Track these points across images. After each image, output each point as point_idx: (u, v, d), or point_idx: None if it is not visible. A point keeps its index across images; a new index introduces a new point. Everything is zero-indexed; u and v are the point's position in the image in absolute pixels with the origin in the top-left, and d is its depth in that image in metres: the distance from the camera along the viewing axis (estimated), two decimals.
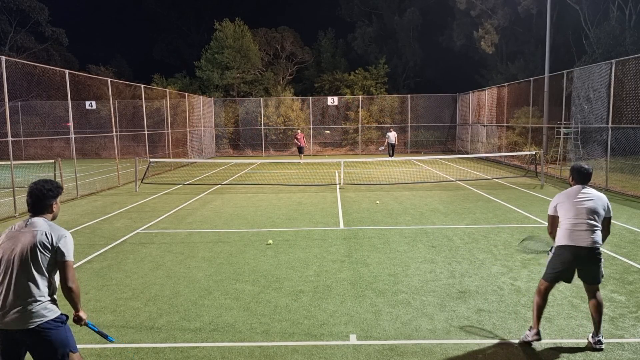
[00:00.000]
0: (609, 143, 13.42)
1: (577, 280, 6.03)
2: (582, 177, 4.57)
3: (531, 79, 20.22)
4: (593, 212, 4.32)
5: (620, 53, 21.52)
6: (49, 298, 3.07)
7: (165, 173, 19.97)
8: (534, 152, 17.07)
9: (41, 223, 3.12)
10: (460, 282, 6.06)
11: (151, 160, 17.09)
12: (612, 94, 13.48)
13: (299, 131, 25.77)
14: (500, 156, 22.34)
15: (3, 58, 10.51)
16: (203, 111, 28.14)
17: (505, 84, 22.78)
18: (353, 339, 4.56)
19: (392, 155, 25.12)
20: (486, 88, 25.19)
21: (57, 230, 3.13)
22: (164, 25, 48.23)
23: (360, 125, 30.90)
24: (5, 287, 2.98)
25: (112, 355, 4.36)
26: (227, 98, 32.97)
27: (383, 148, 25.93)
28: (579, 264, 4.34)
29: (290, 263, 6.99)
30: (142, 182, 15.78)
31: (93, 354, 4.38)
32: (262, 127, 30.85)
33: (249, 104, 31.72)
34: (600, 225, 4.34)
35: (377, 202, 11.98)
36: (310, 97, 31.49)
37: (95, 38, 55.92)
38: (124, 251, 7.83)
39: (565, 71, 16.95)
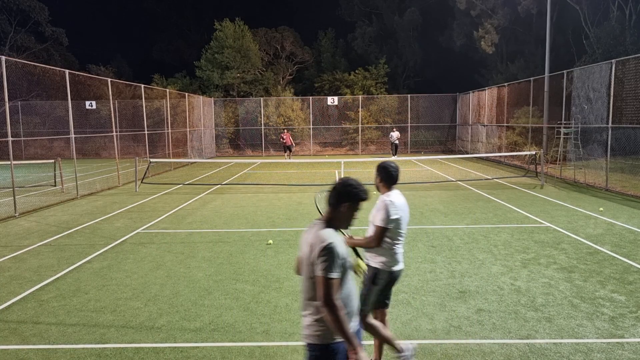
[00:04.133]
0: (609, 143, 13.42)
1: (577, 280, 6.05)
2: (393, 178, 3.89)
3: (531, 79, 20.21)
4: (407, 224, 3.90)
5: (620, 53, 21.52)
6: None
7: (165, 173, 19.96)
8: (534, 152, 17.07)
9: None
10: (460, 282, 6.06)
11: (151, 160, 17.09)
12: (612, 94, 13.48)
13: (285, 130, 26.13)
14: (500, 156, 22.33)
15: (3, 58, 10.51)
16: (203, 111, 28.13)
17: (505, 84, 22.77)
18: None
19: (396, 154, 25.57)
20: (486, 88, 25.18)
21: (317, 237, 2.66)
22: (164, 25, 48.25)
23: (360, 125, 30.89)
24: None
25: (112, 355, 4.36)
26: (227, 98, 32.97)
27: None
28: (392, 286, 3.94)
29: (290, 263, 6.99)
30: (142, 182, 15.77)
31: (93, 354, 4.37)
32: (262, 127, 30.85)
33: (249, 104, 31.72)
34: None
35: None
36: (310, 97, 31.48)
37: (95, 38, 55.89)
38: (124, 251, 7.83)
39: (565, 71, 16.94)
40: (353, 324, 2.76)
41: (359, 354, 2.57)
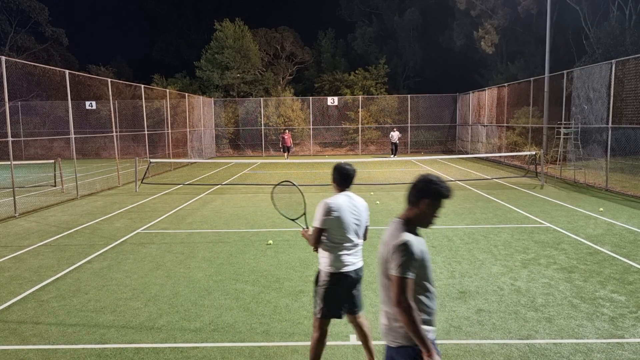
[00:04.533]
0: (609, 143, 13.42)
1: (577, 280, 6.04)
2: (344, 179, 3.81)
3: (531, 79, 20.21)
4: (361, 226, 3.80)
5: (620, 53, 21.52)
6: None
7: (165, 173, 19.96)
8: (534, 152, 17.06)
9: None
10: (460, 282, 6.06)
11: (151, 160, 17.08)
12: (612, 94, 13.48)
13: (286, 131, 26.21)
14: (500, 156, 22.33)
15: (3, 58, 10.51)
16: (203, 111, 28.14)
17: (505, 84, 22.78)
18: (353, 339, 4.56)
19: (396, 154, 25.77)
20: (486, 88, 25.19)
21: (393, 235, 2.62)
22: (164, 25, 48.28)
23: (360, 126, 30.89)
24: None
25: (112, 355, 4.36)
26: (227, 98, 32.97)
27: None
28: (358, 288, 3.89)
29: (290, 263, 6.99)
30: (142, 182, 15.77)
31: (93, 354, 4.37)
32: (262, 127, 30.85)
33: (249, 104, 31.72)
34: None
35: (377, 202, 11.98)
36: (310, 97, 31.49)
37: (95, 38, 56.03)
38: (124, 251, 7.82)
39: (565, 71, 16.95)
40: (432, 327, 2.64)
41: (434, 358, 2.45)
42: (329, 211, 3.63)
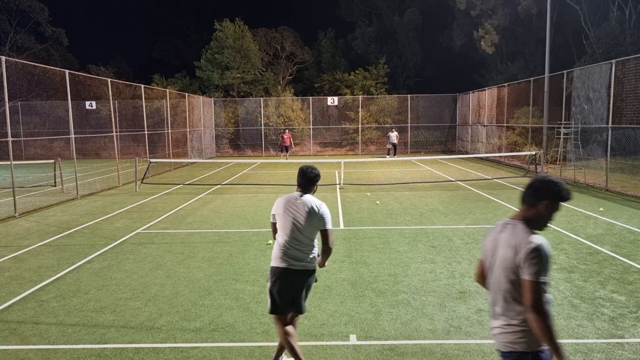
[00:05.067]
0: (609, 143, 13.42)
1: (577, 280, 6.05)
2: (303, 181, 3.93)
3: (531, 79, 20.21)
4: (299, 226, 3.79)
5: (620, 53, 21.52)
6: None
7: (165, 173, 19.97)
8: (534, 152, 17.06)
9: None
10: (460, 282, 6.06)
11: (151, 160, 17.09)
12: (612, 94, 13.48)
13: (287, 131, 26.31)
14: (500, 156, 22.33)
15: (3, 58, 10.51)
16: (203, 111, 28.14)
17: (505, 84, 22.77)
18: (353, 339, 4.56)
19: (395, 154, 25.72)
20: (486, 88, 25.18)
21: (522, 238, 2.53)
22: (164, 25, 48.28)
23: (360, 126, 30.90)
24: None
25: (112, 355, 4.36)
26: (227, 98, 32.98)
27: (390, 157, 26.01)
28: (290, 288, 3.86)
29: None
30: (142, 182, 15.78)
31: (93, 354, 4.37)
32: (262, 127, 30.85)
33: (249, 104, 31.72)
34: (310, 242, 3.86)
35: (377, 202, 11.99)
36: (310, 97, 31.49)
37: (95, 38, 56.01)
38: (124, 251, 7.83)
39: (565, 71, 16.94)
40: None
41: None
42: (274, 207, 3.98)
